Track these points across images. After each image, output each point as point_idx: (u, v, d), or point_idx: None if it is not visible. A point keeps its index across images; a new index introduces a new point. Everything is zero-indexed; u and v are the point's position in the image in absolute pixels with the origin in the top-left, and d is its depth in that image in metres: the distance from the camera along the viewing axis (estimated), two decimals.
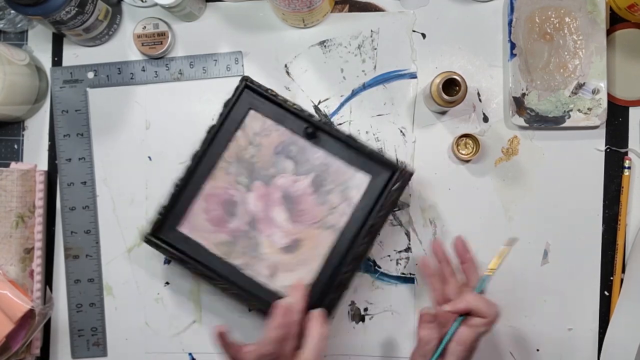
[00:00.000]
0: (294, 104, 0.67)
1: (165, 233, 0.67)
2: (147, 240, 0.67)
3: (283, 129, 0.67)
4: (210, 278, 0.66)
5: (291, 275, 0.66)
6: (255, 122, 0.67)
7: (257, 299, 0.66)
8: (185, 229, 0.67)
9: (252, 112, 0.67)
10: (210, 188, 0.67)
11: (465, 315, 0.59)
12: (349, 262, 0.65)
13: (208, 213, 0.67)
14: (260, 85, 0.67)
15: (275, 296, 0.66)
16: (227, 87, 0.70)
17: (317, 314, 0.59)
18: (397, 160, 0.67)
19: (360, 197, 0.66)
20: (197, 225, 0.67)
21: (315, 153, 0.67)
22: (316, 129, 0.67)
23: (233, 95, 0.67)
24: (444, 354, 0.58)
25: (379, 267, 0.72)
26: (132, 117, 0.73)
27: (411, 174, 0.66)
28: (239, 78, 0.68)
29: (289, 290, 0.62)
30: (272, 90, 0.67)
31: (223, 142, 0.67)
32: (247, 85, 0.67)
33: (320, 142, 0.67)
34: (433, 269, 0.65)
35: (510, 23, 0.70)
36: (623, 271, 0.71)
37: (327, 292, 0.66)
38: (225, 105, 0.67)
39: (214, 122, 0.67)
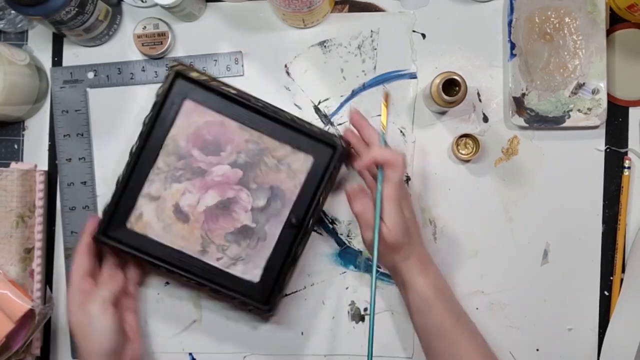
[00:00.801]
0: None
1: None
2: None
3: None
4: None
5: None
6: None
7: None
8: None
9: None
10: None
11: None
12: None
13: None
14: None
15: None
16: None
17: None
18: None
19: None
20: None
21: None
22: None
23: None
24: (382, 215, 0.62)
25: (379, 267, 0.72)
26: (132, 117, 0.73)
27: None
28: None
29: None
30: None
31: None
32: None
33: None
34: (357, 136, 0.69)
35: (510, 23, 0.70)
36: (623, 271, 0.71)
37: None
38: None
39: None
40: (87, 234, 0.67)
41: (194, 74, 0.66)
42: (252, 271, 0.68)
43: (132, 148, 0.67)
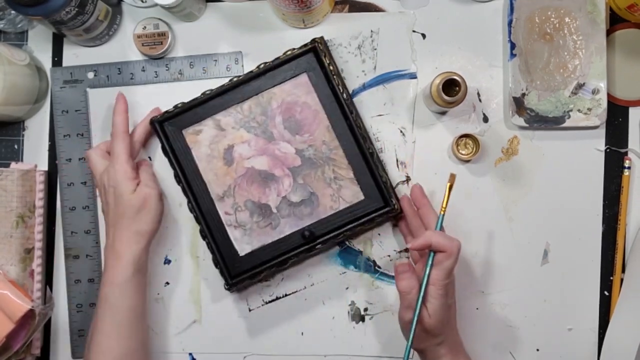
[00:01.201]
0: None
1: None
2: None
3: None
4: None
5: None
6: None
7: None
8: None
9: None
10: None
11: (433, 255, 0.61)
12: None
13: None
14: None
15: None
16: None
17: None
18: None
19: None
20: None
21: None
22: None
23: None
24: (425, 299, 0.60)
25: (379, 267, 0.72)
26: (132, 117, 0.73)
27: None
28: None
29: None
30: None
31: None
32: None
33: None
34: (413, 210, 0.68)
35: (510, 23, 0.70)
36: (623, 271, 0.71)
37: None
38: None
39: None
40: (120, 112, 0.69)
41: (326, 59, 0.68)
42: (243, 244, 0.69)
43: (231, 79, 0.70)
